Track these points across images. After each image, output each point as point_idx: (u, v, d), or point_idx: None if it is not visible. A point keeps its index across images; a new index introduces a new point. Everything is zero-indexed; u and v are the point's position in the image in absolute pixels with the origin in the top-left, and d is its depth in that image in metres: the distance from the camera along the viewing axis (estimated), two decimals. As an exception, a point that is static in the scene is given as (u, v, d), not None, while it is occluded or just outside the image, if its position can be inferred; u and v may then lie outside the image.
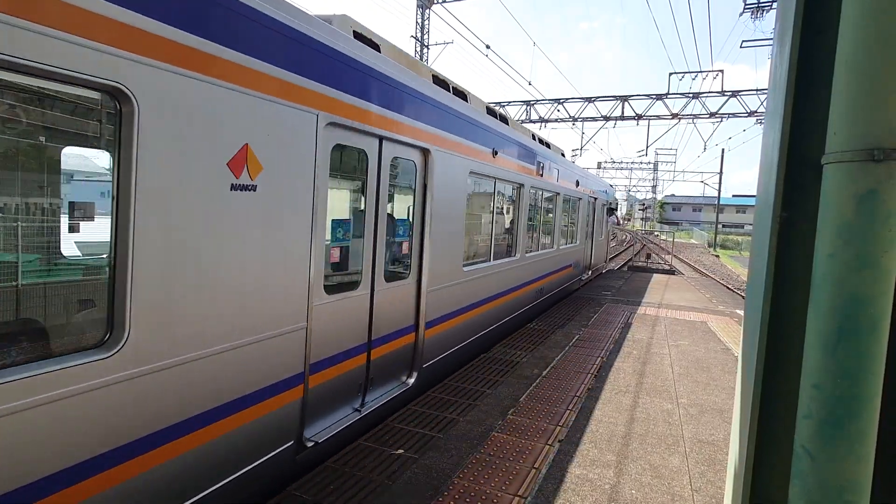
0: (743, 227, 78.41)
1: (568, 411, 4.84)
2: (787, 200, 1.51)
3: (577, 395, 5.28)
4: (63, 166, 4.41)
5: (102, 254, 3.41)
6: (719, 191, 49.17)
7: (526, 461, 3.84)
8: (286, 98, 3.08)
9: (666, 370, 6.37)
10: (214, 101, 2.62)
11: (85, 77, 2.10)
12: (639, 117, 24.89)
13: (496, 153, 6.62)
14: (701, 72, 23.99)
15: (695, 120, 24.90)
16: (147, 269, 2.37)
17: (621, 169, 67.30)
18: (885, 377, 1.26)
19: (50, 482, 2.13)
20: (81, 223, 2.69)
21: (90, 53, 2.10)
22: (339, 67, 3.55)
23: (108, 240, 2.34)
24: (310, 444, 3.60)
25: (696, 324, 9.34)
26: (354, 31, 4.24)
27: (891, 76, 1.16)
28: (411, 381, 5.01)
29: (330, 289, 3.86)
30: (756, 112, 23.08)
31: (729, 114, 23.89)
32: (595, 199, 14.61)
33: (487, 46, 20.22)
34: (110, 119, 2.35)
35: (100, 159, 4.98)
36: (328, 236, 3.87)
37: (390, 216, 4.69)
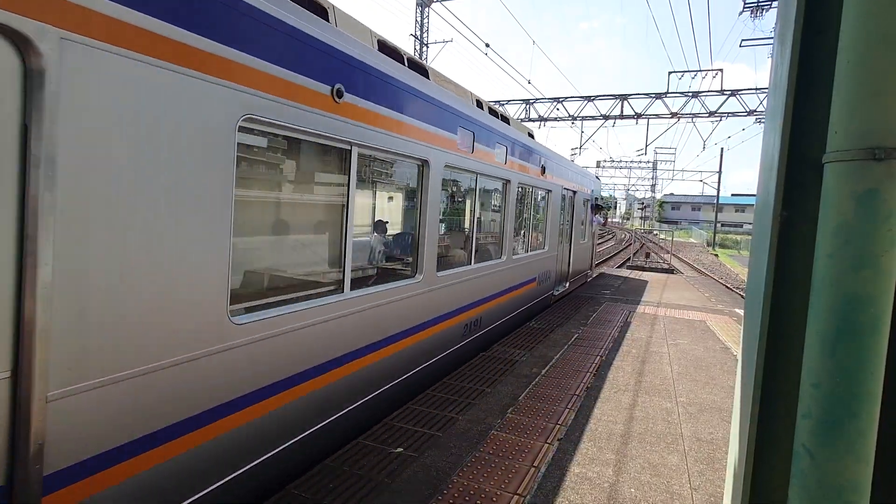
0: (742, 226, 78.54)
1: (567, 410, 4.84)
2: (788, 200, 1.50)
3: (577, 393, 5.29)
4: None
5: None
6: (718, 190, 49.23)
7: (525, 460, 3.84)
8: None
9: (665, 369, 6.38)
10: None
11: None
12: (638, 116, 24.90)
13: (341, 93, 3.83)
14: (700, 71, 24.03)
15: (694, 119, 24.93)
16: None
17: (620, 168, 67.39)
18: (886, 377, 1.26)
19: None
20: None
21: None
22: None
23: None
24: None
25: (695, 323, 9.35)
26: None
27: (892, 75, 1.16)
28: None
29: None
30: (755, 111, 23.11)
31: (728, 113, 23.93)
32: (573, 192, 12.00)
33: (487, 45, 20.21)
34: None
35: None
36: None
37: None
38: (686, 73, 24.41)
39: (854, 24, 1.21)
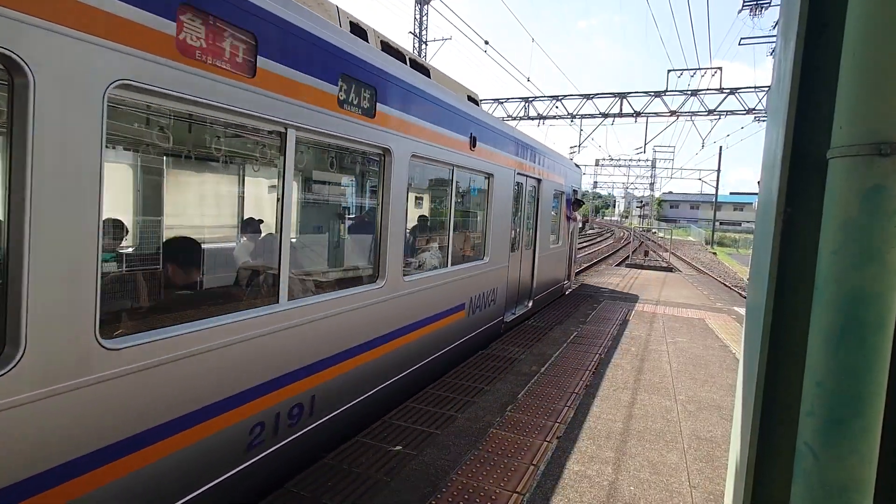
0: (740, 224, 78.62)
1: (566, 408, 4.83)
2: (791, 196, 1.49)
3: (576, 391, 5.28)
4: None
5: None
6: (717, 188, 49.27)
7: (524, 458, 3.83)
8: None
9: (664, 367, 6.38)
10: None
11: None
12: (637, 114, 24.88)
13: None
14: (699, 69, 23.98)
15: (693, 117, 24.91)
16: None
17: (619, 166, 67.39)
18: (890, 375, 1.25)
19: None
20: None
21: None
22: None
23: None
24: None
25: (693, 321, 9.35)
26: None
27: (899, 69, 1.14)
28: None
29: None
30: (754, 109, 23.12)
31: (727, 111, 23.92)
32: (536, 180, 8.79)
33: (486, 42, 20.17)
34: None
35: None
36: None
37: None
38: (685, 72, 24.37)
39: (860, 18, 1.19)
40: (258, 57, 3.03)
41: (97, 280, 2.27)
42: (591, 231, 53.87)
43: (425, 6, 24.16)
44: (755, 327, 1.58)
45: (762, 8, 22.57)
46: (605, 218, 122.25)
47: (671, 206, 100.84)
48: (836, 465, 1.23)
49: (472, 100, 7.10)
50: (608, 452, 4.04)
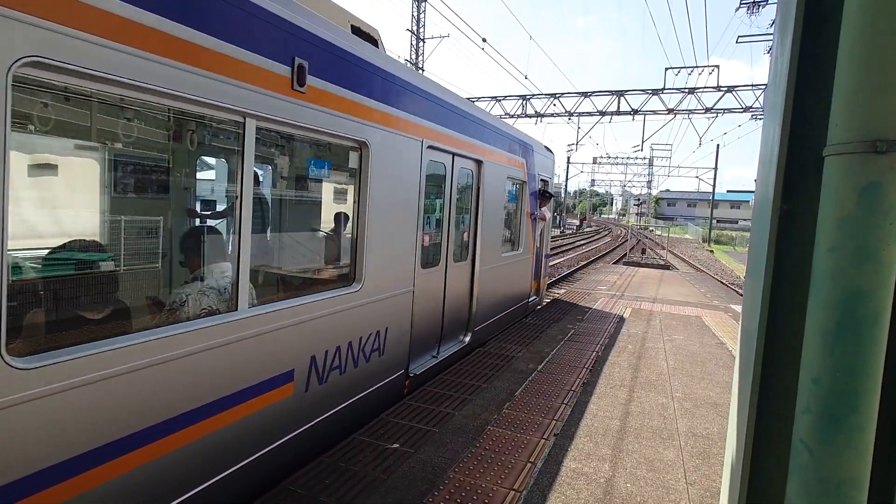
0: (737, 222, 78.86)
1: (563, 405, 4.84)
2: (787, 193, 1.49)
3: (573, 389, 5.29)
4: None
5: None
6: (714, 186, 49.35)
7: (521, 455, 3.84)
8: None
9: (661, 364, 6.39)
10: None
11: None
12: (634, 112, 24.92)
13: None
14: (697, 67, 24.03)
15: (690, 115, 24.97)
16: None
17: (617, 164, 67.47)
18: (885, 372, 1.25)
19: None
20: None
21: None
22: None
23: None
24: None
25: (690, 318, 9.37)
26: None
27: (895, 66, 1.14)
28: None
29: None
30: (751, 107, 23.17)
31: (724, 109, 23.99)
32: (476, 162, 6.32)
33: (484, 40, 20.15)
34: None
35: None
36: None
37: None
38: (682, 70, 24.43)
39: (858, 14, 1.19)
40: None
41: (1, 288, 1.88)
42: (588, 229, 53.89)
43: (423, 3, 24.10)
44: (751, 324, 1.58)
45: (759, 6, 22.60)
46: (602, 216, 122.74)
47: (668, 204, 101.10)
48: (832, 461, 1.24)
49: (367, 36, 4.62)
50: (605, 450, 4.05)
